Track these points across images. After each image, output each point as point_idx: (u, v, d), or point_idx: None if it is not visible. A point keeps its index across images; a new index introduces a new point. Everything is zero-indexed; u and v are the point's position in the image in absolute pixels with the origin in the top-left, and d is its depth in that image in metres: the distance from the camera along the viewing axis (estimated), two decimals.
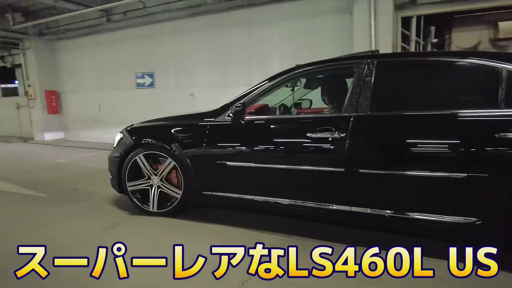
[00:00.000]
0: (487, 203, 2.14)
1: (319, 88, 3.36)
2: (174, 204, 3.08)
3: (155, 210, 3.14)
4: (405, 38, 5.56)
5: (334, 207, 2.51)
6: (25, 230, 2.95)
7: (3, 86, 11.56)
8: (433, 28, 6.65)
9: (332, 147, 2.45)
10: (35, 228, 2.97)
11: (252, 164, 2.76)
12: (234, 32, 6.47)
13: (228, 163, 2.83)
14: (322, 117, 2.85)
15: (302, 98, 4.02)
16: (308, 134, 2.52)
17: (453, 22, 6.00)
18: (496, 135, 2.05)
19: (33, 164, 5.93)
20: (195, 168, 2.93)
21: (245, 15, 6.26)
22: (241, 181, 2.88)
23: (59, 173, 5.16)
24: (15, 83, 11.27)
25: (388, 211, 2.37)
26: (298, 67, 2.83)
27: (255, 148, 2.79)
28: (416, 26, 5.59)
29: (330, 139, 2.45)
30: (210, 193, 2.93)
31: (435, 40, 6.80)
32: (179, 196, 3.04)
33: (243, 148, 2.82)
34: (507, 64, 2.18)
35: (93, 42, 8.41)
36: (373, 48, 4.67)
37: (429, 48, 7.11)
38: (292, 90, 3.82)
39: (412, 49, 5.55)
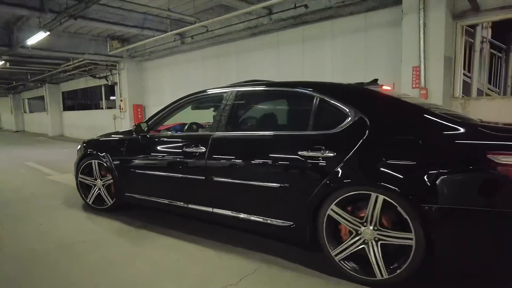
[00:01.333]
0: (296, 209, 2.45)
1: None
2: (110, 204, 3.78)
3: (91, 204, 3.91)
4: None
5: (203, 208, 2.96)
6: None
7: (106, 100, 13.83)
8: None
9: (198, 160, 2.93)
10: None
11: (149, 172, 3.36)
12: (288, 49, 6.74)
13: (136, 170, 3.46)
14: (194, 135, 3.38)
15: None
16: (184, 149, 3.04)
17: None
18: (300, 152, 2.39)
19: None
20: (119, 174, 3.58)
21: (299, 33, 6.49)
22: (145, 185, 3.45)
23: None
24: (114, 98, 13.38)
25: (232, 213, 2.78)
26: (185, 96, 3.38)
27: (152, 159, 3.36)
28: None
29: (197, 153, 2.93)
30: (129, 194, 3.54)
31: None
32: (111, 201, 3.75)
33: (145, 158, 3.42)
34: (319, 94, 2.52)
35: (171, 62, 9.58)
36: (422, 61, 4.46)
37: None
38: (214, 111, 3.96)
39: (476, 59, 5.05)
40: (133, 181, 3.54)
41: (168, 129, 3.91)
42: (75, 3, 5.57)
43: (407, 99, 2.52)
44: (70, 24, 7.13)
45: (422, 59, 4.47)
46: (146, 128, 3.42)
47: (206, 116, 4.08)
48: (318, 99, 2.53)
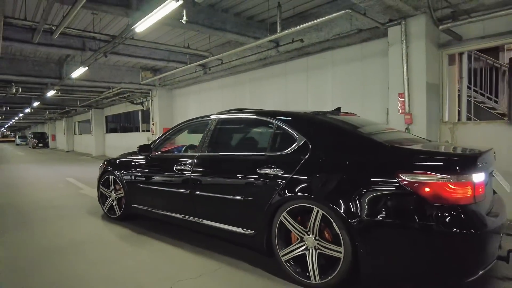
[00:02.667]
0: (256, 219, 2.81)
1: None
2: (118, 215, 4.38)
3: (106, 212, 4.57)
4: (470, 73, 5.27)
5: (189, 218, 3.42)
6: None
7: (143, 124, 15.13)
8: None
9: (184, 176, 3.42)
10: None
11: (151, 186, 3.91)
12: (294, 78, 7.27)
13: (141, 185, 4.03)
14: (184, 155, 3.81)
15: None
16: (175, 167, 3.55)
17: None
18: (257, 170, 2.79)
19: None
20: (128, 188, 4.17)
21: (303, 63, 7.02)
22: (147, 198, 3.98)
23: None
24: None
25: (209, 222, 3.22)
26: (182, 122, 3.98)
27: (153, 175, 3.93)
28: None
29: (184, 170, 3.43)
30: (136, 206, 4.09)
31: None
32: (119, 211, 4.36)
33: (146, 175, 3.99)
34: (276, 120, 2.96)
35: (195, 90, 10.50)
36: (406, 88, 4.75)
37: None
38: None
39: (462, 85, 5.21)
40: (138, 194, 4.10)
41: (170, 151, 4.35)
42: (105, 44, 6.59)
43: (350, 124, 2.88)
44: (107, 59, 8.27)
45: (406, 86, 4.76)
46: (148, 149, 3.98)
47: None
48: (276, 125, 2.96)
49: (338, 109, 3.50)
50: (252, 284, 2.63)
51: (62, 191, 6.81)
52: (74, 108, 19.29)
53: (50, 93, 11.55)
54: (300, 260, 2.60)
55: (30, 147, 30.09)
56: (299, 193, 2.56)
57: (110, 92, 12.69)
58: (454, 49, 4.90)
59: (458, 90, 5.48)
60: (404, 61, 4.76)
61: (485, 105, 6.67)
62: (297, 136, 2.78)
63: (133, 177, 4.15)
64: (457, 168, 2.13)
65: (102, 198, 4.68)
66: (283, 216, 2.62)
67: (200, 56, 8.24)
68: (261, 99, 8.11)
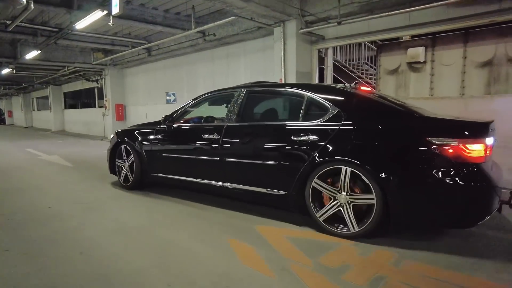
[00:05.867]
0: (289, 182, 3.01)
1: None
2: (131, 181, 4.44)
3: (123, 183, 4.58)
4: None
5: (216, 183, 3.57)
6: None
7: (99, 100, 16.16)
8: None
9: (214, 144, 3.55)
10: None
11: (175, 155, 3.98)
12: (219, 63, 8.88)
13: (163, 154, 4.08)
14: (211, 125, 3.81)
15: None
16: (203, 136, 3.68)
17: (382, 47, 7.22)
18: (292, 137, 3.02)
19: (90, 152, 9.29)
20: (147, 157, 4.21)
21: (224, 51, 8.63)
22: (170, 166, 4.05)
23: (98, 158, 8.27)
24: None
25: (241, 186, 3.38)
26: (203, 94, 4.07)
27: (177, 144, 4.03)
28: None
29: (213, 139, 3.56)
30: (156, 174, 4.17)
31: None
32: (132, 178, 4.40)
33: (171, 144, 4.07)
34: (309, 92, 3.15)
35: (143, 70, 11.81)
36: (283, 75, 6.51)
37: None
38: (226, 106, 4.35)
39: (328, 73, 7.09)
40: (159, 163, 4.13)
41: (188, 121, 4.28)
42: (54, 34, 7.82)
43: (375, 98, 3.12)
44: (61, 42, 9.39)
45: (283, 73, 6.54)
46: (172, 119, 4.08)
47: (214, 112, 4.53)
48: (308, 97, 3.13)
49: (356, 83, 4.18)
50: (300, 237, 2.88)
51: (22, 158, 8.15)
52: (31, 85, 19.71)
53: (5, 71, 12.36)
54: (334, 216, 2.86)
55: None
56: (335, 157, 2.79)
57: (65, 71, 13.60)
58: (320, 45, 6.70)
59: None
60: (282, 54, 6.51)
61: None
62: (330, 106, 2.97)
63: (154, 147, 4.17)
64: (475, 132, 2.48)
65: (118, 168, 4.66)
66: (315, 180, 2.86)
67: (140, 43, 9.58)
68: (195, 80, 9.67)
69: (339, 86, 3.46)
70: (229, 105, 3.67)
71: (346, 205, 2.76)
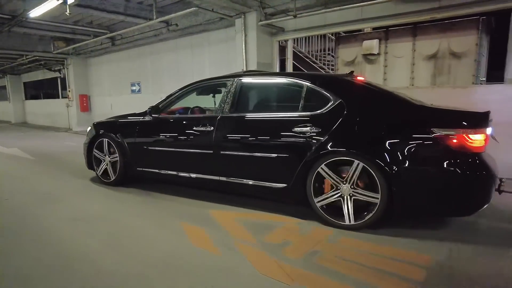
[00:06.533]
0: (289, 174, 2.98)
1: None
2: (115, 177, 4.17)
3: (102, 178, 4.31)
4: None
5: (209, 177, 3.45)
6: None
7: (63, 91, 15.60)
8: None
9: (207, 137, 3.38)
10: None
11: (160, 148, 3.76)
12: (183, 53, 8.89)
13: (150, 147, 3.84)
14: (203, 116, 3.77)
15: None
16: (194, 128, 3.50)
17: (340, 39, 7.55)
18: (292, 129, 2.95)
19: (54, 145, 9.08)
20: (131, 151, 3.97)
21: (188, 41, 8.63)
22: (158, 160, 3.82)
23: (62, 150, 8.12)
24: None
25: (237, 179, 3.29)
26: (191, 83, 3.81)
27: (166, 137, 3.75)
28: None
29: (206, 131, 3.41)
30: (142, 169, 3.95)
31: None
32: (115, 175, 4.15)
33: (159, 137, 3.79)
34: (307, 82, 3.08)
35: (107, 60, 11.54)
36: (245, 66, 6.68)
37: None
38: (213, 96, 4.22)
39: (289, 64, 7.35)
40: (145, 157, 3.89)
41: (173, 112, 4.04)
42: (8, 21, 7.51)
43: (375, 87, 3.05)
44: (16, 29, 8.99)
45: (245, 64, 6.70)
46: (157, 111, 3.85)
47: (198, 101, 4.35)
48: (308, 87, 3.06)
49: (351, 72, 3.49)
50: (249, 219, 3.06)
51: None
52: None
53: None
54: (332, 206, 2.88)
55: None
56: (339, 148, 2.77)
57: (24, 60, 13.00)
58: (280, 37, 6.90)
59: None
60: (244, 45, 6.66)
61: None
62: (331, 97, 2.92)
63: (138, 140, 3.93)
64: (476, 123, 2.53)
65: (95, 161, 4.37)
66: (322, 168, 2.82)
67: (103, 33, 9.37)
68: (160, 70, 9.61)
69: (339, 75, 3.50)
70: (221, 96, 3.54)
71: (347, 197, 2.78)
